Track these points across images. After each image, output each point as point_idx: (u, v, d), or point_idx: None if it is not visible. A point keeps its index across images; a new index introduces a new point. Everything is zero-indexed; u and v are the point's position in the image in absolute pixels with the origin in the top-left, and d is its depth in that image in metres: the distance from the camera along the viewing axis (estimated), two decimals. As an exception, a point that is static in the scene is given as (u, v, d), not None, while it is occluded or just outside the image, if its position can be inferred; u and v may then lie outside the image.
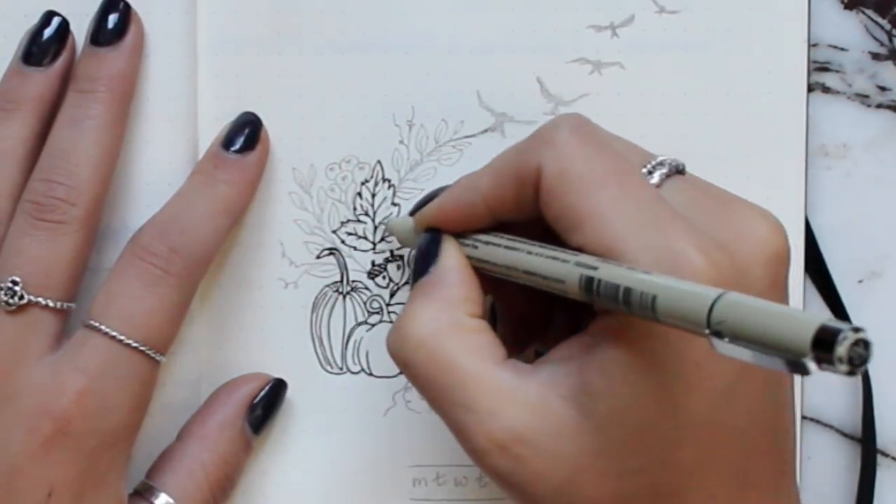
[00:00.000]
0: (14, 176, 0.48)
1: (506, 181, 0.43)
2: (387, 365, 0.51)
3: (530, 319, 0.48)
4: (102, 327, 0.46)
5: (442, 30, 0.51)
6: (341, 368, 0.52)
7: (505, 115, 0.51)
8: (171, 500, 0.48)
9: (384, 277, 0.52)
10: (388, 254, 0.51)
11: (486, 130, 0.51)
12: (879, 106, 0.53)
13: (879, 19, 0.52)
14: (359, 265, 0.52)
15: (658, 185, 0.42)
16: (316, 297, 0.52)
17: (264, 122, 0.50)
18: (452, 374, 0.42)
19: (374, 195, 0.51)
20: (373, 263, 0.52)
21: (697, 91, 0.51)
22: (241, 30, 0.50)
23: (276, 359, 0.51)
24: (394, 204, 0.51)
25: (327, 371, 0.52)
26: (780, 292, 0.41)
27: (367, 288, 0.52)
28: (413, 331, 0.43)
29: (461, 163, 0.51)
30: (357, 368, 0.52)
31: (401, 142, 0.51)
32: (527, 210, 0.43)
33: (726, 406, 0.39)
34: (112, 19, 0.49)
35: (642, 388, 0.39)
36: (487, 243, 0.44)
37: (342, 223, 0.51)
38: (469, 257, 0.45)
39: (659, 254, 0.39)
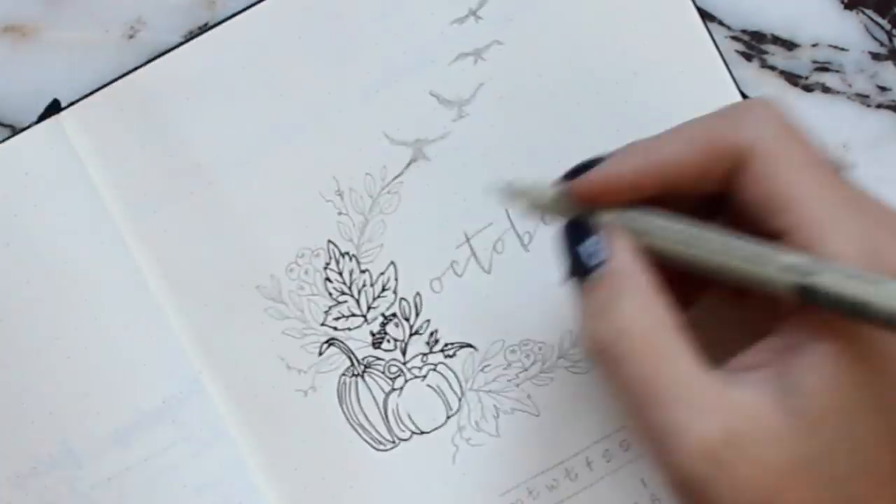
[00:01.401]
0: None
1: (698, 150, 0.41)
2: (432, 418, 0.51)
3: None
4: None
5: (321, 95, 0.51)
6: (393, 441, 0.52)
7: (419, 140, 0.51)
8: None
9: (388, 341, 0.52)
10: (380, 318, 0.51)
11: (409, 163, 0.51)
12: (879, 106, 0.53)
13: (879, 19, 0.52)
14: (360, 342, 0.52)
15: None
16: (338, 390, 0.51)
17: (210, 259, 0.50)
18: (666, 372, 0.39)
19: (340, 273, 0.51)
20: (372, 334, 0.52)
21: (583, 25, 0.51)
22: (147, 191, 0.51)
23: (334, 464, 0.51)
24: (362, 271, 0.51)
25: (382, 450, 0.52)
26: None
27: (378, 358, 0.52)
28: (626, 323, 0.40)
29: (402, 204, 0.51)
30: (407, 434, 0.52)
31: (340, 213, 0.51)
32: (706, 184, 0.41)
33: None
34: None
35: (855, 387, 0.38)
36: (656, 232, 0.41)
37: (325, 313, 0.51)
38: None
39: (864, 247, 0.38)
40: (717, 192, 0.41)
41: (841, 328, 0.38)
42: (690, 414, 0.39)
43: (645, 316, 0.40)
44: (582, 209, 0.42)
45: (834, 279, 0.37)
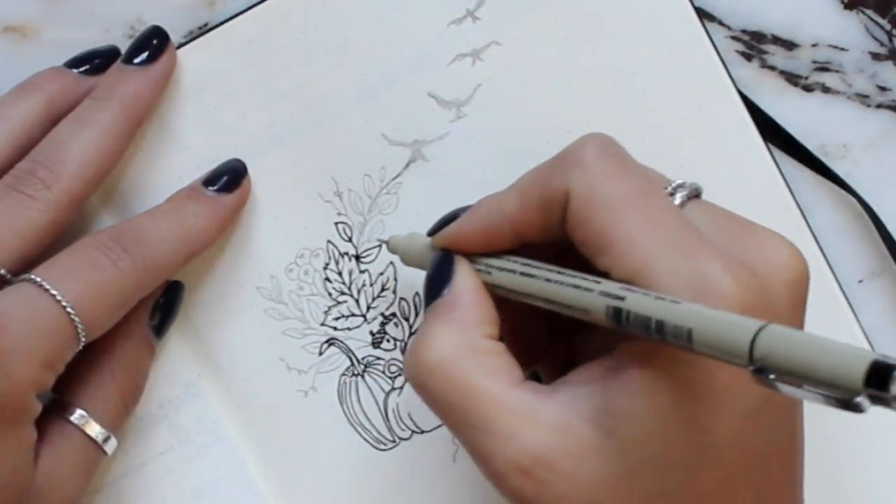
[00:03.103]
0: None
1: (532, 203, 0.43)
2: (432, 417, 0.51)
3: (532, 340, 0.47)
4: (38, 279, 0.45)
5: (320, 96, 0.51)
6: (393, 441, 0.52)
7: (417, 141, 0.51)
8: (84, 413, 0.47)
9: (388, 340, 0.52)
10: (380, 318, 0.52)
11: (408, 164, 0.51)
12: (879, 106, 0.53)
13: (879, 19, 0.52)
14: (360, 341, 0.52)
15: (680, 207, 0.42)
16: (338, 390, 0.52)
17: (209, 260, 0.51)
18: (471, 397, 0.41)
19: (340, 273, 0.51)
20: (371, 333, 0.52)
21: (581, 25, 0.51)
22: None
23: (335, 464, 0.51)
24: (361, 272, 0.51)
25: (383, 450, 0.52)
26: (801, 315, 0.41)
27: (378, 358, 0.52)
28: (429, 354, 0.42)
29: (401, 205, 0.51)
30: (407, 433, 0.52)
31: (339, 213, 0.51)
32: (553, 232, 0.43)
33: (749, 430, 0.39)
34: (148, 45, 0.50)
35: (668, 412, 0.38)
36: (501, 269, 0.44)
37: (325, 313, 0.51)
38: (484, 282, 0.44)
39: (688, 277, 0.38)
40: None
41: (657, 355, 0.39)
42: (498, 436, 0.40)
43: (454, 346, 0.42)
44: (447, 255, 0.45)
45: (638, 301, 0.38)
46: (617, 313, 0.38)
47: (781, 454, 0.41)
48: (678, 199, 0.42)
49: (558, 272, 0.41)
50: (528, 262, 0.43)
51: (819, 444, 0.51)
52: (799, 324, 0.41)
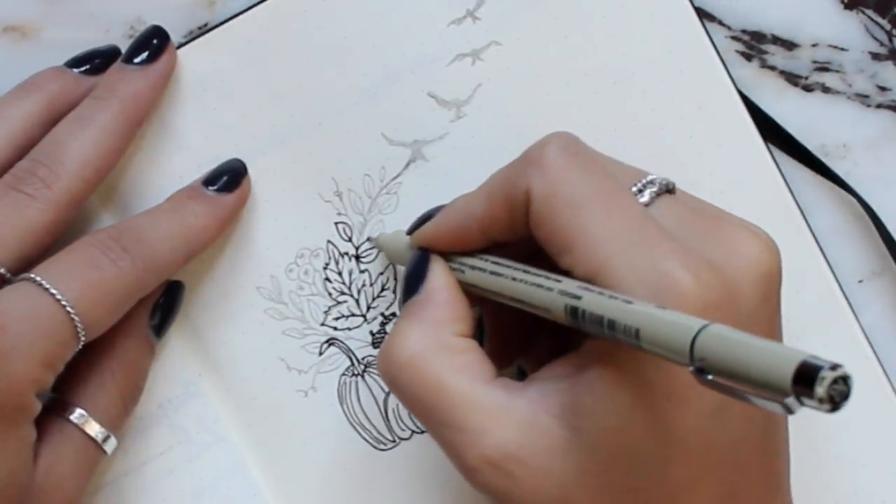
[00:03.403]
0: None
1: (498, 203, 0.43)
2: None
3: (517, 333, 0.48)
4: (38, 278, 0.45)
5: (320, 96, 0.51)
6: (393, 441, 0.52)
7: (417, 141, 0.51)
8: (84, 413, 0.47)
9: (388, 340, 0.52)
10: (380, 318, 0.52)
11: (408, 164, 0.51)
12: (879, 106, 0.53)
13: (879, 19, 0.52)
14: (360, 341, 0.52)
15: (647, 204, 0.42)
16: (338, 390, 0.52)
17: (209, 261, 0.51)
18: (440, 394, 0.42)
19: (340, 273, 0.51)
20: (371, 333, 0.52)
21: (581, 25, 0.51)
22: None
23: (335, 464, 0.51)
24: (361, 271, 0.51)
25: (382, 450, 0.52)
26: (771, 310, 0.41)
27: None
28: (400, 351, 0.43)
29: (401, 205, 0.51)
30: (407, 433, 0.52)
31: (339, 213, 0.51)
32: (520, 232, 0.43)
33: (717, 425, 0.39)
34: (148, 45, 0.50)
35: (631, 409, 0.39)
36: (473, 268, 0.44)
37: (325, 313, 0.51)
38: (458, 280, 0.45)
39: (647, 275, 0.39)
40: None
41: (620, 352, 0.39)
42: (469, 432, 0.41)
43: (424, 344, 0.43)
44: (423, 254, 0.46)
45: (592, 301, 0.38)
46: (574, 312, 0.39)
47: (755, 451, 0.41)
48: (646, 195, 0.42)
49: (524, 271, 0.42)
50: (499, 260, 0.44)
51: (818, 445, 0.51)
52: (769, 319, 0.41)
